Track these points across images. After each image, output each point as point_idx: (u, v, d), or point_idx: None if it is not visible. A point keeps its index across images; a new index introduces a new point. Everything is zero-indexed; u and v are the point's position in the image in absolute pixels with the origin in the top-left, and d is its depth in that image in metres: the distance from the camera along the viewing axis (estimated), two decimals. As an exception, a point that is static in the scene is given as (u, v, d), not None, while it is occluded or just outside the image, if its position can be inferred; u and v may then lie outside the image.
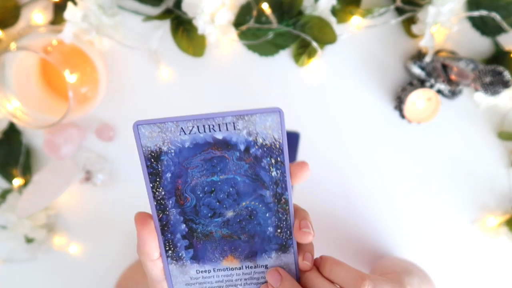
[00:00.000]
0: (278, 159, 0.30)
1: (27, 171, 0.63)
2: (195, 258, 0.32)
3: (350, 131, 0.61)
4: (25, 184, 0.63)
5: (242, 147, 0.30)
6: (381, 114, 0.60)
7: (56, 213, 0.65)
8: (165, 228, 0.31)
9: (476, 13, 0.54)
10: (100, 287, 0.67)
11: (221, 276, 0.33)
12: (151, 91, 0.61)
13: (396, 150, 0.61)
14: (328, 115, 0.61)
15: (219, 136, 0.29)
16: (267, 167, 0.30)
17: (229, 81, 0.60)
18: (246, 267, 0.33)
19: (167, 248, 0.32)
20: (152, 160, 0.29)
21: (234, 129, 0.29)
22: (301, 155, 0.61)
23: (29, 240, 0.63)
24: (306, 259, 0.32)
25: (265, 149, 0.30)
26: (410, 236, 0.63)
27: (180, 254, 0.32)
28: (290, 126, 0.61)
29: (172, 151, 0.29)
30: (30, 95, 0.58)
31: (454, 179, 0.61)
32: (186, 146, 0.29)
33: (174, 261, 0.32)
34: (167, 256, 0.32)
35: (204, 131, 0.29)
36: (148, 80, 0.60)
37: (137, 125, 0.28)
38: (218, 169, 0.30)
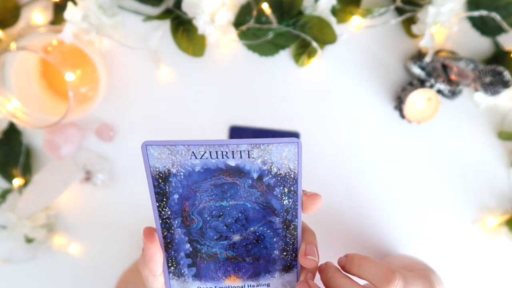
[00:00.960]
0: (292, 188, 0.30)
1: (27, 171, 0.63)
2: (197, 276, 0.32)
3: (350, 131, 0.61)
4: (25, 184, 0.63)
5: (255, 176, 0.29)
6: (381, 114, 0.60)
7: (56, 213, 0.65)
8: (169, 246, 0.31)
9: (476, 13, 0.54)
10: (100, 287, 0.67)
11: None
12: (151, 91, 0.61)
13: (396, 150, 0.61)
14: (328, 115, 0.61)
15: (232, 163, 0.28)
16: (279, 195, 0.30)
17: (229, 81, 0.60)
18: (248, 286, 0.33)
19: (170, 264, 0.32)
20: (160, 180, 0.29)
21: (249, 157, 0.28)
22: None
23: (29, 240, 0.63)
24: (301, 281, 0.32)
25: (279, 178, 0.29)
26: (410, 236, 0.63)
27: (182, 271, 0.32)
28: (290, 126, 0.61)
29: (181, 173, 0.29)
30: (30, 95, 0.58)
31: (454, 179, 0.61)
32: (197, 170, 0.29)
33: (176, 277, 0.32)
34: (169, 272, 0.32)
35: (217, 157, 0.28)
36: (148, 80, 0.60)
37: (145, 145, 0.28)
38: (228, 195, 0.30)
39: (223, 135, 0.61)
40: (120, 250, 0.65)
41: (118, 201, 0.64)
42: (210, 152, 0.28)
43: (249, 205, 0.30)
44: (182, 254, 0.31)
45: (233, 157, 0.28)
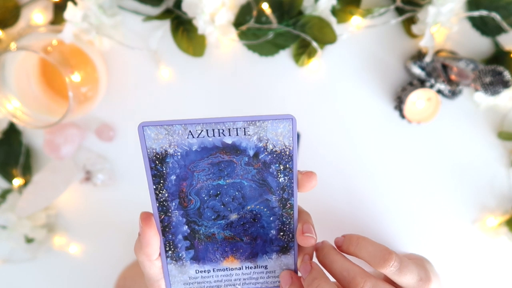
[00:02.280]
0: (287, 165, 0.30)
1: (27, 171, 0.63)
2: (195, 259, 0.32)
3: (350, 131, 0.61)
4: (25, 184, 0.63)
5: (251, 153, 0.29)
6: (381, 114, 0.60)
7: (56, 213, 0.65)
8: (166, 229, 0.31)
9: (476, 13, 0.54)
10: (100, 287, 0.67)
11: (220, 276, 0.33)
12: (151, 91, 0.61)
13: (396, 150, 0.61)
14: (328, 116, 0.61)
15: (228, 140, 0.29)
16: (275, 173, 0.30)
17: (229, 81, 0.60)
18: (246, 268, 0.33)
19: (167, 249, 0.31)
20: (157, 162, 0.29)
21: (245, 134, 0.29)
22: (301, 155, 0.61)
23: (29, 240, 0.63)
24: (304, 261, 0.32)
25: (274, 155, 0.29)
26: (410, 236, 0.63)
27: (180, 255, 0.32)
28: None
29: (179, 153, 0.29)
30: (30, 95, 0.58)
31: (454, 179, 0.61)
32: (194, 149, 0.29)
33: (173, 261, 0.32)
34: (167, 256, 0.32)
35: (213, 135, 0.28)
36: (148, 80, 0.60)
37: (142, 126, 0.28)
38: (225, 173, 0.30)
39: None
40: (120, 250, 0.65)
41: (118, 201, 0.64)
42: (207, 130, 0.28)
43: (245, 183, 0.30)
44: (180, 236, 0.31)
45: (229, 135, 0.28)
